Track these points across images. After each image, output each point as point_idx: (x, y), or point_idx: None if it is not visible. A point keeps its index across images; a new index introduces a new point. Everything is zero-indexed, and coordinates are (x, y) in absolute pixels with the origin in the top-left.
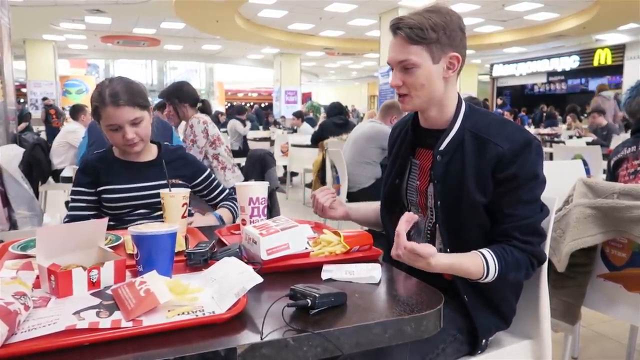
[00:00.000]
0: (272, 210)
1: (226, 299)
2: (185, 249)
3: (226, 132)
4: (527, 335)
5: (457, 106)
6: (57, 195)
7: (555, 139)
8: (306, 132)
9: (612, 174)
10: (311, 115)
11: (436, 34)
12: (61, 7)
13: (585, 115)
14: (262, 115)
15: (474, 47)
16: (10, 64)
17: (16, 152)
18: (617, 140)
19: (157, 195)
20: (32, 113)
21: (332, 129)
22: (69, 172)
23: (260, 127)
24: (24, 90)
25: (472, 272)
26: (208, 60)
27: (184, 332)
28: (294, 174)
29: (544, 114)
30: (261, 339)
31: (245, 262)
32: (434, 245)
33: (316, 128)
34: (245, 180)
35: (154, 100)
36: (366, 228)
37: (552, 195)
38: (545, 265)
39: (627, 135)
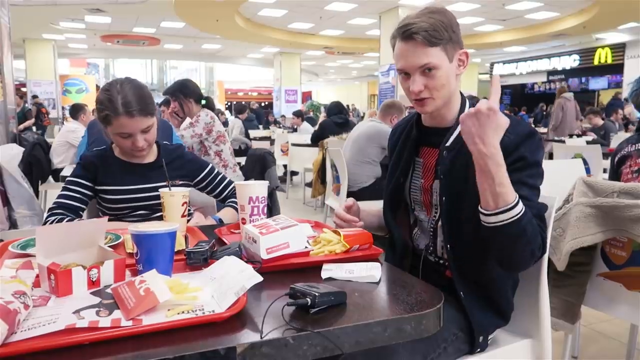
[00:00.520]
0: (272, 209)
1: (226, 298)
2: (185, 248)
3: (226, 131)
4: (528, 334)
5: (462, 103)
6: (56, 195)
7: (556, 138)
8: (306, 131)
9: (616, 171)
10: (311, 114)
11: (447, 33)
12: (61, 6)
13: (581, 118)
14: (262, 115)
15: (474, 46)
16: (10, 63)
17: (16, 152)
18: (616, 139)
19: (158, 197)
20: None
21: (332, 128)
22: (68, 171)
23: (260, 127)
24: (24, 89)
25: (506, 189)
26: (208, 59)
27: (184, 331)
28: (294, 173)
29: (544, 113)
30: (261, 337)
31: (245, 261)
32: (436, 242)
33: (316, 127)
34: (246, 179)
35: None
36: None
37: (553, 194)
38: (545, 263)
39: (626, 134)
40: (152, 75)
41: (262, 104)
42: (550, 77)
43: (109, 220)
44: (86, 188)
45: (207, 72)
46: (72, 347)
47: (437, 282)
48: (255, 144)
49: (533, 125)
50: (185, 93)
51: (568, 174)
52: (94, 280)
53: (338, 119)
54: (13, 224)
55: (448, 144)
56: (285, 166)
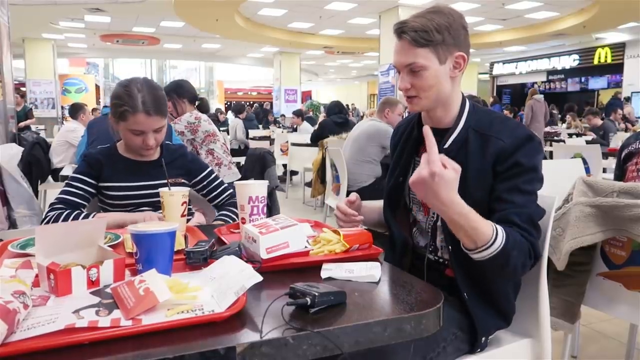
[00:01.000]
0: (272, 209)
1: (226, 297)
2: (185, 247)
3: (226, 130)
4: (527, 333)
5: (462, 105)
6: (56, 194)
7: (555, 138)
8: (306, 131)
9: (621, 167)
10: (311, 114)
11: (441, 35)
12: (60, 5)
13: (581, 118)
14: (262, 113)
15: (474, 45)
16: (10, 62)
17: (15, 151)
18: (616, 139)
19: (158, 194)
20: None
21: (332, 128)
22: (68, 170)
23: (260, 126)
24: (23, 89)
25: (481, 229)
26: (208, 59)
27: (184, 331)
28: (293, 172)
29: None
30: (260, 337)
31: (245, 261)
32: (436, 243)
33: (316, 127)
34: (245, 179)
35: None
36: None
37: (552, 194)
38: (545, 263)
39: (626, 134)
40: (151, 74)
41: (264, 104)
42: (550, 77)
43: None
44: (89, 185)
45: (206, 72)
46: (72, 347)
47: (437, 281)
48: (255, 144)
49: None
50: (179, 93)
51: (568, 173)
52: (93, 280)
53: (338, 119)
54: (12, 224)
55: (446, 145)
56: (285, 166)
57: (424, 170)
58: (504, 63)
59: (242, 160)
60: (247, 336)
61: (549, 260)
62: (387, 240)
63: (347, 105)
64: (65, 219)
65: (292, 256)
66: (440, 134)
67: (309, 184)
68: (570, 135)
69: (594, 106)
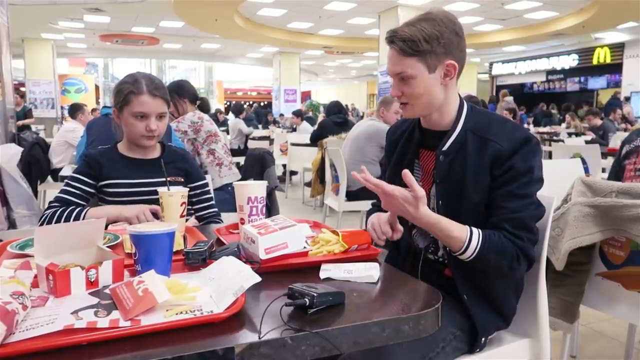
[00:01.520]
0: (271, 209)
1: (224, 298)
2: (184, 248)
3: (226, 130)
4: (526, 333)
5: (459, 108)
6: (55, 195)
7: (554, 138)
8: (306, 131)
9: (620, 163)
10: (310, 114)
11: (429, 45)
12: (60, 6)
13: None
14: (262, 115)
15: (473, 45)
16: (9, 62)
17: (15, 151)
18: (615, 139)
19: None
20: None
21: (331, 128)
22: (67, 171)
23: (260, 126)
24: (22, 89)
25: (453, 235)
26: (207, 59)
27: (182, 332)
28: (293, 172)
29: (544, 113)
30: (259, 338)
31: (244, 261)
32: (436, 245)
33: (315, 127)
34: (245, 179)
35: None
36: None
37: (551, 194)
38: (544, 264)
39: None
40: (148, 73)
41: (262, 104)
42: (550, 77)
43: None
44: (88, 185)
45: (206, 72)
46: (71, 348)
47: (436, 281)
48: (254, 144)
49: (533, 126)
50: (180, 93)
51: (567, 173)
52: (92, 280)
53: (337, 119)
54: (12, 224)
55: (444, 148)
56: (284, 166)
57: (384, 199)
58: (503, 63)
59: (241, 160)
60: (245, 337)
61: (548, 260)
62: (389, 242)
63: (347, 105)
64: (60, 216)
65: (291, 257)
66: (439, 137)
67: (308, 184)
68: (569, 135)
69: (593, 106)
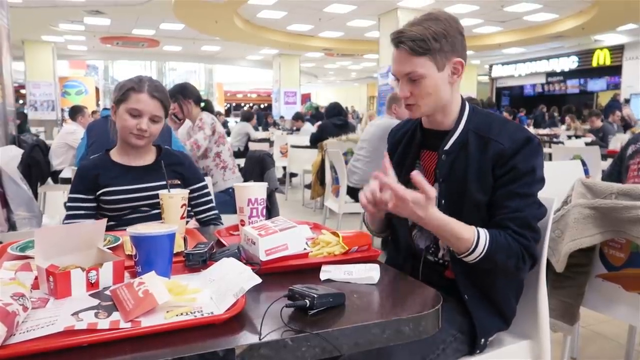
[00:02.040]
0: (271, 211)
1: (225, 299)
2: (184, 249)
3: (227, 132)
4: (526, 335)
5: (461, 107)
6: (56, 197)
7: (555, 140)
8: (309, 132)
9: (623, 162)
10: (310, 116)
11: (438, 43)
12: (60, 8)
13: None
14: (262, 117)
15: (473, 47)
16: (9, 65)
17: (15, 153)
18: (615, 141)
19: (155, 196)
20: (31, 114)
21: (331, 130)
22: (68, 173)
23: (260, 128)
24: (23, 91)
25: (462, 237)
26: (207, 61)
27: (183, 333)
28: (293, 174)
29: (545, 114)
30: (259, 339)
31: (244, 263)
32: (438, 244)
33: (314, 129)
34: (245, 181)
35: None
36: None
37: (551, 195)
38: (544, 265)
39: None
40: (152, 77)
41: (262, 106)
42: (549, 79)
43: (109, 222)
44: (89, 201)
45: (206, 74)
46: (71, 349)
47: (436, 283)
48: (255, 146)
49: (533, 127)
50: (184, 94)
51: (567, 175)
52: (92, 282)
53: (337, 121)
54: (12, 226)
55: (447, 147)
56: (284, 168)
57: (391, 201)
58: (503, 65)
59: (241, 162)
60: (246, 338)
61: (548, 262)
62: (391, 242)
63: (347, 107)
64: None
65: (291, 258)
66: (441, 136)
67: (308, 186)
68: (569, 137)
69: (592, 108)
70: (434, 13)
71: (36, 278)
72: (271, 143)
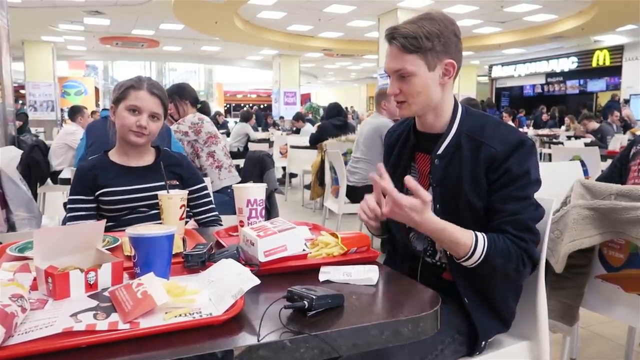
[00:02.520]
0: (270, 211)
1: (223, 300)
2: (183, 250)
3: (226, 132)
4: (525, 336)
5: (454, 110)
6: (55, 197)
7: (554, 140)
8: (309, 132)
9: (625, 164)
10: (310, 116)
11: (430, 42)
12: (60, 8)
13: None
14: (261, 117)
15: (473, 48)
16: (9, 65)
17: (14, 154)
18: (614, 141)
19: (154, 196)
20: (30, 114)
21: (331, 130)
22: (67, 173)
23: (260, 129)
24: (22, 91)
25: (459, 242)
26: (207, 61)
27: (181, 334)
28: (292, 175)
29: (543, 115)
30: (258, 340)
31: (243, 264)
32: (434, 248)
33: (314, 129)
34: (244, 181)
35: None
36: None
37: (550, 196)
38: (543, 266)
39: (624, 136)
40: (151, 77)
41: (262, 106)
42: (549, 79)
43: (108, 222)
44: (89, 202)
45: (206, 74)
46: (70, 351)
47: (435, 285)
48: (254, 146)
49: (532, 127)
50: (181, 95)
51: (566, 176)
52: (91, 283)
53: (337, 121)
54: (11, 227)
55: (439, 151)
56: (284, 168)
57: (387, 206)
58: (502, 65)
59: (241, 162)
60: (244, 339)
61: (547, 263)
62: (388, 243)
63: (346, 107)
64: None
65: (290, 259)
66: (434, 140)
67: (308, 187)
68: (569, 137)
69: (592, 109)
70: (431, 13)
71: (35, 279)
72: (271, 143)
